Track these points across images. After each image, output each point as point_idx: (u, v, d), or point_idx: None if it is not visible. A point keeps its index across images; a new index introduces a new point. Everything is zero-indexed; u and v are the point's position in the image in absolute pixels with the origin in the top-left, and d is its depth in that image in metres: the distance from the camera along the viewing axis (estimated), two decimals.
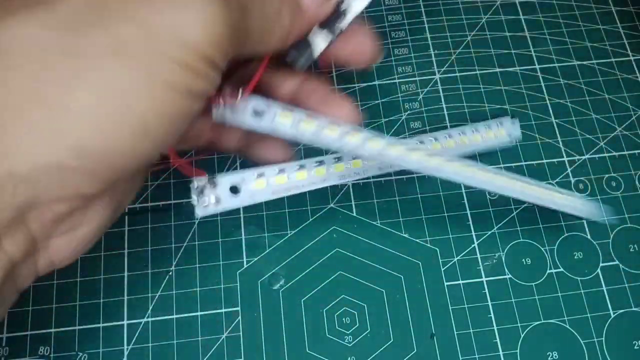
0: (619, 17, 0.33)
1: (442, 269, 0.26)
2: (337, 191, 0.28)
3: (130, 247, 0.27)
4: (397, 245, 0.27)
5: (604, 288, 0.26)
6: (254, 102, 0.19)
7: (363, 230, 0.27)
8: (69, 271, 0.26)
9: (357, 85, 0.31)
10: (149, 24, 0.14)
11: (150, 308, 0.26)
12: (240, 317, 0.25)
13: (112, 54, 0.14)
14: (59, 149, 0.14)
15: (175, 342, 0.25)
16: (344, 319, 0.26)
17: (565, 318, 0.25)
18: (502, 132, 0.28)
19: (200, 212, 0.21)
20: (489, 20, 0.33)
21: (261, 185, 0.22)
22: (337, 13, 0.19)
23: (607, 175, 0.29)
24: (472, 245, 0.27)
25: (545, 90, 0.31)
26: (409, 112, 0.30)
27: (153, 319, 0.25)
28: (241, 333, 0.25)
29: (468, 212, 0.28)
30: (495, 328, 0.25)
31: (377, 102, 0.30)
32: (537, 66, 0.31)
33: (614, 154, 0.29)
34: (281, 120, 0.19)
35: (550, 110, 0.30)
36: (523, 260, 0.27)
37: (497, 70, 0.31)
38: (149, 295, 0.26)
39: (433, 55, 0.32)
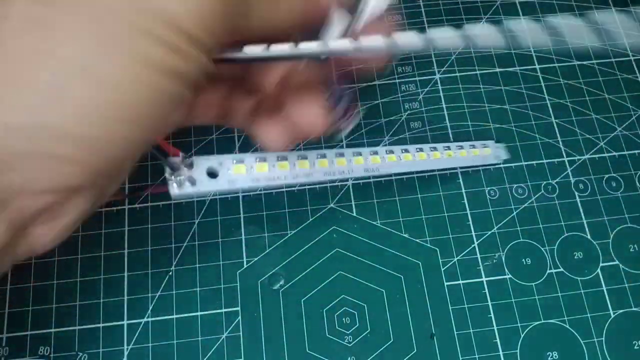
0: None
1: (442, 269, 0.26)
2: (337, 191, 0.28)
3: (130, 247, 0.27)
4: (397, 245, 0.27)
5: (604, 288, 0.26)
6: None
7: (363, 230, 0.27)
8: (69, 271, 0.26)
9: (357, 85, 0.31)
10: None
11: (150, 308, 0.26)
12: (240, 317, 0.25)
13: (89, 28, 0.12)
14: (41, 135, 0.13)
15: (175, 342, 0.25)
16: (344, 319, 0.26)
17: (565, 318, 0.25)
18: (488, 151, 0.29)
19: (174, 192, 0.20)
20: (489, 20, 0.33)
21: (241, 171, 0.21)
22: None
23: (607, 175, 0.29)
24: (472, 245, 0.27)
25: (545, 90, 0.31)
26: (409, 112, 0.30)
27: (153, 319, 0.25)
28: (241, 333, 0.25)
29: (468, 212, 0.28)
30: (495, 328, 0.25)
31: (377, 102, 0.30)
32: (537, 66, 0.31)
33: (614, 154, 0.29)
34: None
35: (550, 110, 0.30)
36: (523, 260, 0.27)
37: (497, 70, 0.31)
38: (149, 295, 0.26)
39: (433, 55, 0.32)
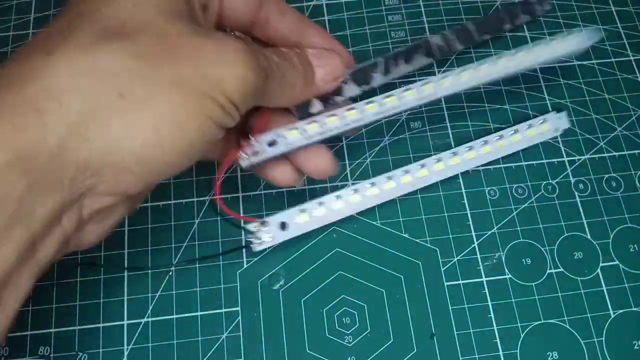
0: (619, 17, 0.33)
1: (442, 269, 0.26)
2: (337, 191, 0.28)
3: (130, 247, 0.27)
4: (397, 245, 0.27)
5: (604, 288, 0.26)
6: (264, 138, 0.23)
7: (363, 230, 0.27)
8: (69, 272, 0.26)
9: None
10: (201, 70, 0.18)
11: (150, 308, 0.26)
12: (240, 317, 0.25)
13: (175, 86, 0.18)
14: (125, 154, 0.17)
15: (175, 342, 0.25)
16: (344, 319, 0.26)
17: (565, 318, 0.25)
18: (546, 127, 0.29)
19: (256, 248, 0.25)
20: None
21: (305, 219, 0.26)
22: (336, 90, 0.25)
23: (607, 175, 0.29)
24: (472, 245, 0.27)
25: (545, 90, 0.31)
26: (409, 112, 0.30)
27: (153, 319, 0.25)
28: (241, 333, 0.25)
29: (468, 212, 0.28)
30: (495, 328, 0.25)
31: None
32: (537, 66, 0.31)
33: (614, 154, 0.29)
34: (291, 137, 0.24)
35: (550, 110, 0.30)
36: (523, 260, 0.27)
37: None
38: (149, 295, 0.26)
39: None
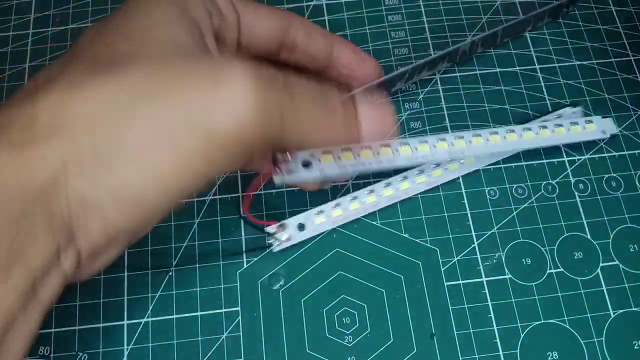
0: (619, 17, 0.33)
1: (442, 269, 0.26)
2: (337, 191, 0.28)
3: (130, 247, 0.27)
4: (397, 245, 0.27)
5: (604, 288, 0.26)
6: (300, 157, 0.22)
7: (363, 230, 0.27)
8: None
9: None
10: (191, 117, 0.16)
11: (150, 308, 0.26)
12: (240, 317, 0.25)
13: (159, 134, 0.16)
14: (126, 196, 0.17)
15: (175, 342, 0.25)
16: (344, 319, 0.26)
17: (565, 318, 0.25)
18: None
19: (276, 249, 0.26)
20: (489, 20, 0.33)
21: (321, 219, 0.27)
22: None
23: (607, 175, 0.29)
24: (472, 245, 0.27)
25: (545, 90, 0.31)
26: (409, 112, 0.30)
27: (153, 319, 0.25)
28: (241, 333, 0.25)
29: (468, 212, 0.28)
30: (495, 328, 0.25)
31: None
32: (537, 66, 0.31)
33: (614, 154, 0.29)
34: (325, 163, 0.23)
35: (550, 110, 0.30)
36: (523, 260, 0.27)
37: (497, 70, 0.31)
38: (149, 295, 0.26)
39: (433, 55, 0.32)
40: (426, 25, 0.33)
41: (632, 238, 0.27)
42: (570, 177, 0.29)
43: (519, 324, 0.25)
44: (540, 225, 0.27)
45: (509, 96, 0.31)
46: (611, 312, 0.26)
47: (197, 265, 0.26)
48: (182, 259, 0.27)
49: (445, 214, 0.28)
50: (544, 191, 0.28)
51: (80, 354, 0.25)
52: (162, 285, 0.26)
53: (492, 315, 0.26)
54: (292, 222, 0.26)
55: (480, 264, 0.27)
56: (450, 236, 0.27)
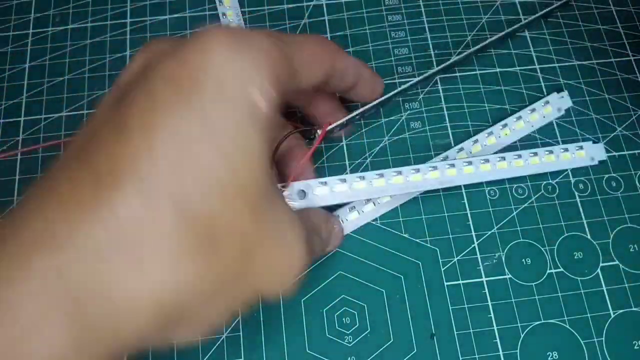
0: (619, 17, 0.33)
1: (442, 269, 0.26)
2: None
3: None
4: (397, 245, 0.27)
5: (604, 288, 0.26)
6: (295, 187, 0.25)
7: (363, 230, 0.27)
8: None
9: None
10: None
11: None
12: (240, 317, 0.25)
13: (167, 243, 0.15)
14: (126, 333, 0.16)
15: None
16: (344, 319, 0.26)
17: (565, 318, 0.25)
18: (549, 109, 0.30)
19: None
20: (489, 20, 0.33)
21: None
22: None
23: (607, 175, 0.29)
24: (472, 245, 0.27)
25: (545, 90, 0.31)
26: (409, 112, 0.30)
27: None
28: (241, 333, 0.25)
29: (468, 212, 0.28)
30: (495, 328, 0.25)
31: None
32: (537, 66, 0.32)
33: (614, 154, 0.29)
34: (318, 192, 0.25)
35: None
36: (523, 260, 0.27)
37: (497, 70, 0.31)
38: None
39: (433, 55, 0.32)
40: (426, 25, 0.33)
41: (632, 238, 0.27)
42: (570, 177, 0.29)
43: (519, 324, 0.25)
44: (540, 225, 0.27)
45: (509, 96, 0.31)
46: (611, 312, 0.26)
47: None
48: None
49: (446, 214, 0.28)
50: (544, 191, 0.28)
51: None
52: None
53: (492, 315, 0.26)
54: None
55: (480, 264, 0.27)
56: (450, 236, 0.27)
